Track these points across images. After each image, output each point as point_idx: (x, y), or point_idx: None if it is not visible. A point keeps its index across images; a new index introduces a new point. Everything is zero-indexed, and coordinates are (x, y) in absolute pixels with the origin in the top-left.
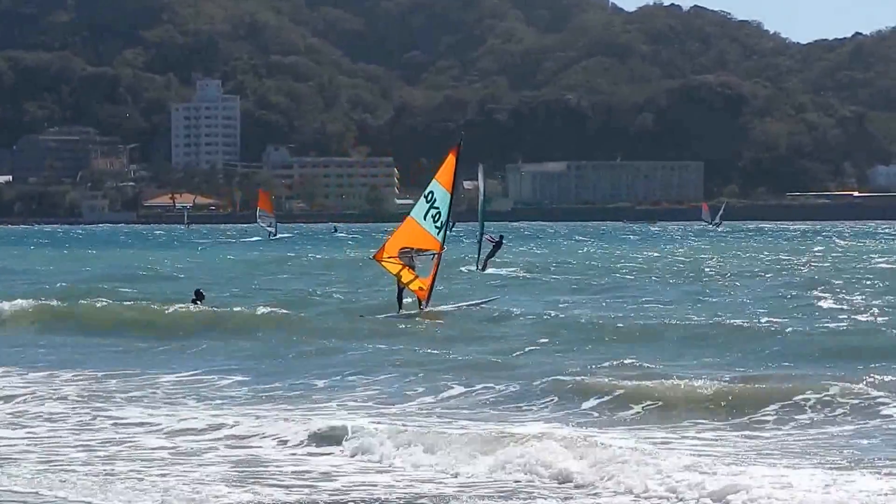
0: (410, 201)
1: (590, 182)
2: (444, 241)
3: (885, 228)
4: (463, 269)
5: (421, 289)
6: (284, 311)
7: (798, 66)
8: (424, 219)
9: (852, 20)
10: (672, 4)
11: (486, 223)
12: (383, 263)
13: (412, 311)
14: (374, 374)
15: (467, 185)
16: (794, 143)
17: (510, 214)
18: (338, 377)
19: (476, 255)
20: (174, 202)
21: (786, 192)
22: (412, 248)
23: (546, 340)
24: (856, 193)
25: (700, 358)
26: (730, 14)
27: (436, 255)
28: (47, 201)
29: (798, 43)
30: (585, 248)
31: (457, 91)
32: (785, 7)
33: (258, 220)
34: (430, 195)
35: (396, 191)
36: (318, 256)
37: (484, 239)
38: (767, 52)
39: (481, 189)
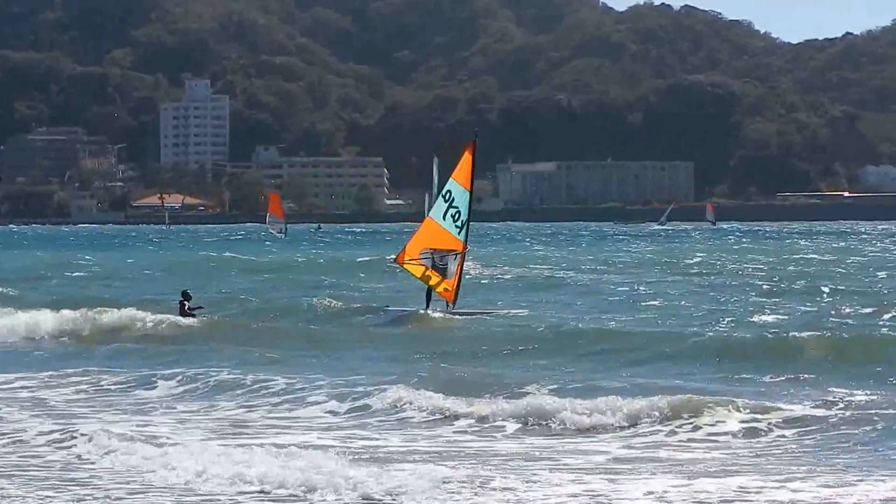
0: (400, 202)
1: (580, 182)
2: (466, 240)
3: (865, 228)
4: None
5: (446, 290)
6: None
7: (788, 65)
8: (444, 219)
9: (843, 20)
10: (662, 4)
11: (474, 223)
12: (405, 266)
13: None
14: None
15: None
16: (784, 143)
17: (500, 215)
18: None
19: None
20: (163, 202)
21: (776, 192)
22: (434, 250)
23: None
24: (846, 194)
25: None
26: (720, 14)
27: (459, 255)
28: (35, 201)
29: (789, 43)
30: (528, 252)
31: (447, 91)
32: (775, 7)
33: (267, 224)
34: (448, 194)
35: (386, 191)
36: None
37: None
38: (758, 51)
39: (434, 184)
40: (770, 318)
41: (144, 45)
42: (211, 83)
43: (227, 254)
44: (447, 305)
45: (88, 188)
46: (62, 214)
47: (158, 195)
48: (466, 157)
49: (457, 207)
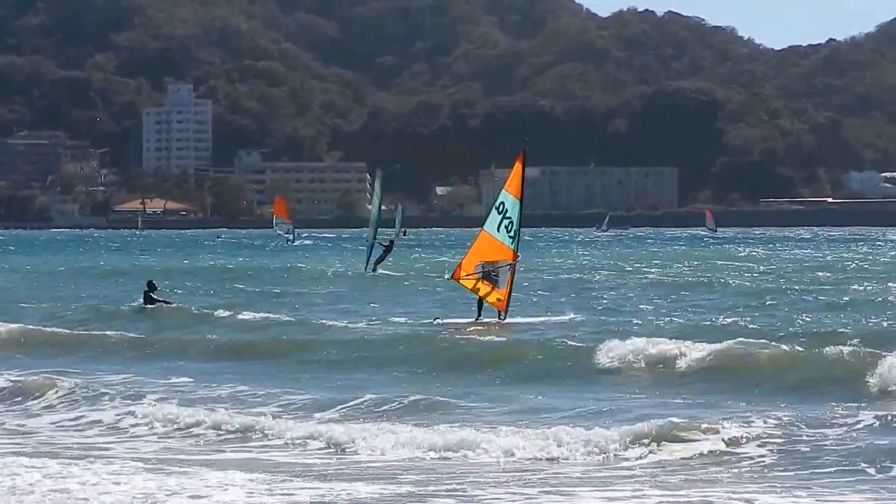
0: (383, 207)
1: (563, 188)
2: (517, 250)
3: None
4: (351, 272)
5: (499, 300)
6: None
7: (772, 71)
8: (498, 230)
9: (826, 26)
10: (646, 10)
11: (456, 230)
12: (461, 282)
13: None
14: None
15: (440, 191)
16: (768, 149)
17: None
18: None
19: (366, 257)
20: (145, 207)
21: (760, 198)
22: (487, 263)
23: None
24: (830, 200)
25: None
26: (704, 20)
27: (510, 265)
28: (17, 205)
29: (772, 49)
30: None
31: (430, 96)
32: (759, 13)
33: (274, 227)
34: (502, 206)
35: (369, 196)
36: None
37: (376, 243)
38: (741, 57)
39: (377, 194)
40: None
41: (127, 50)
42: (193, 88)
43: (151, 259)
44: (499, 315)
45: (70, 192)
46: (44, 219)
47: (140, 200)
48: (517, 168)
49: (510, 218)
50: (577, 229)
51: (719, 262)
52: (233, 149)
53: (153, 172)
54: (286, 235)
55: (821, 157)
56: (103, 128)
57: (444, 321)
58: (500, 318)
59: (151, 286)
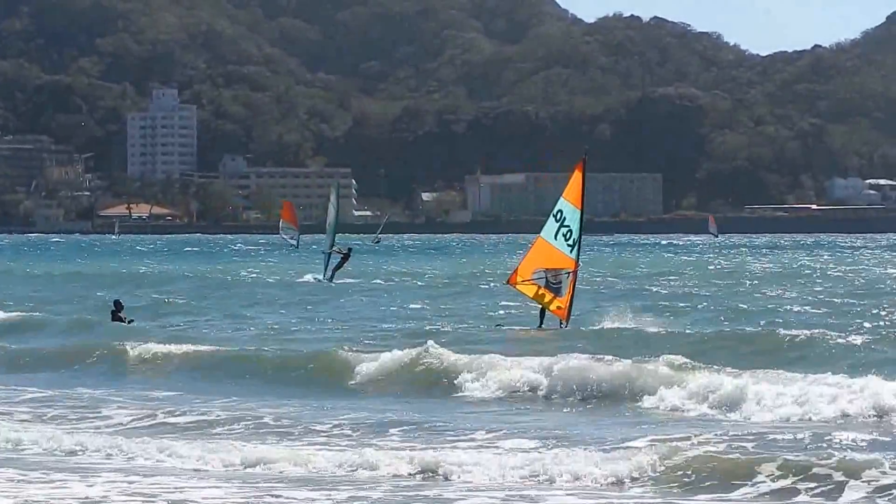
0: (368, 213)
1: (549, 194)
2: (578, 258)
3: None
4: (308, 277)
5: (560, 308)
6: None
7: (757, 78)
8: (556, 238)
9: (812, 32)
10: (631, 16)
11: (437, 235)
12: (518, 287)
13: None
14: None
15: (425, 196)
16: (752, 156)
17: (469, 227)
18: None
19: (324, 265)
20: (130, 212)
21: (744, 204)
22: (546, 269)
23: None
24: (814, 206)
25: None
26: (689, 26)
27: (571, 273)
28: (0, 210)
29: (757, 55)
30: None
31: (415, 102)
32: (744, 19)
33: (280, 233)
34: (560, 213)
35: (354, 202)
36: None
37: (333, 251)
38: (727, 63)
39: (333, 203)
40: None
41: (111, 55)
42: (178, 93)
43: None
44: (560, 324)
45: (55, 197)
46: (28, 223)
47: (125, 205)
48: (577, 176)
49: (568, 227)
50: None
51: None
52: (217, 154)
53: (138, 177)
54: (290, 241)
55: (805, 164)
56: (88, 133)
57: (506, 328)
58: (561, 327)
59: (119, 305)
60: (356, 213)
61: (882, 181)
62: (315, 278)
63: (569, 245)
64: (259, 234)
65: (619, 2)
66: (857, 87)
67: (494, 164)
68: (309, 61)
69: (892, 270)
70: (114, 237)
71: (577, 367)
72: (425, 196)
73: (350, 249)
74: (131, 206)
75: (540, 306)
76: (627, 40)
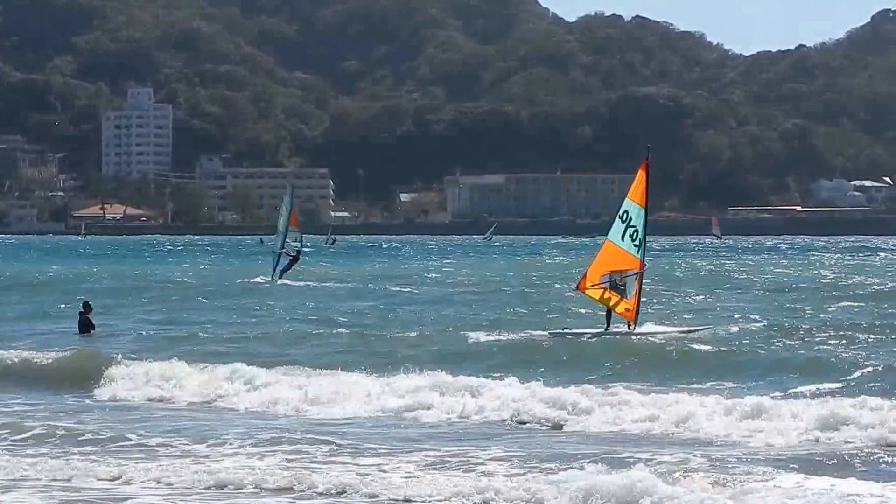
0: (345, 213)
1: (529, 195)
2: (643, 259)
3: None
4: (258, 279)
5: (627, 310)
6: None
7: (741, 78)
8: (623, 239)
9: (796, 32)
10: (613, 15)
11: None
12: (586, 292)
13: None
14: None
15: (403, 197)
16: (736, 157)
17: (448, 227)
18: None
19: (272, 267)
20: (104, 212)
21: (728, 206)
22: (612, 272)
23: None
24: (798, 208)
25: None
26: (672, 25)
27: (638, 274)
28: None
29: (741, 55)
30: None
31: (393, 101)
32: (728, 18)
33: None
34: (626, 214)
35: (332, 202)
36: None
37: (282, 253)
38: (710, 63)
39: (285, 206)
40: None
41: (86, 53)
42: (154, 92)
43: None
44: (628, 325)
45: (28, 198)
46: (2, 224)
47: (100, 205)
48: (640, 176)
49: (634, 227)
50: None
51: None
52: (193, 154)
53: (112, 177)
54: (294, 244)
55: (790, 165)
56: (62, 132)
57: (573, 331)
58: (629, 328)
59: (87, 307)
60: (333, 214)
61: (867, 183)
62: (264, 279)
63: (635, 245)
64: (237, 235)
65: (601, 1)
66: (842, 87)
67: (474, 164)
68: (287, 60)
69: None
70: (80, 238)
71: None
72: (404, 197)
73: (299, 252)
74: (106, 206)
75: (605, 311)
76: (609, 40)
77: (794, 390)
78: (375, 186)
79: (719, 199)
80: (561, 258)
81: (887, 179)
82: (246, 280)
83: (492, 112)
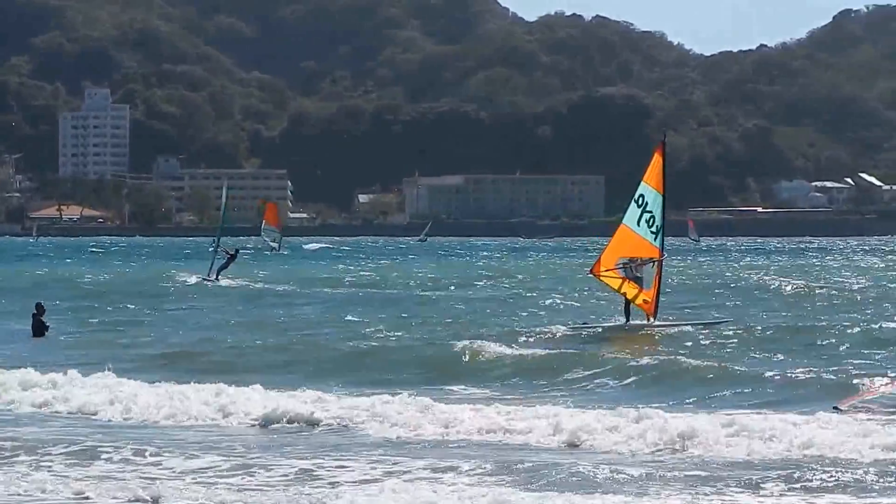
0: (304, 214)
1: (488, 196)
2: (662, 247)
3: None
4: (187, 277)
5: (646, 301)
6: None
7: (701, 78)
8: (638, 224)
9: (757, 32)
10: (574, 14)
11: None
12: (601, 278)
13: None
14: None
15: (362, 198)
16: (697, 157)
17: (406, 229)
18: None
19: (209, 265)
20: (61, 214)
21: (689, 207)
22: (630, 259)
23: None
24: (760, 209)
25: None
26: (632, 24)
27: (656, 263)
28: None
29: (702, 54)
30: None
31: (352, 101)
32: (688, 18)
33: (262, 234)
34: (641, 198)
35: (290, 204)
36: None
37: (220, 251)
38: (670, 63)
39: (224, 203)
40: None
41: (43, 53)
42: (111, 92)
43: None
44: (647, 318)
45: None
46: None
47: (57, 207)
48: (657, 159)
49: (650, 212)
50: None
51: None
52: (151, 155)
53: (70, 178)
54: (272, 244)
55: (751, 166)
56: (18, 132)
57: (593, 326)
58: (649, 322)
59: (40, 309)
60: (291, 215)
61: (829, 183)
62: (199, 278)
63: (652, 232)
64: (194, 237)
65: (562, 0)
66: (803, 87)
67: (434, 165)
68: (245, 60)
69: None
70: (31, 240)
71: None
72: (362, 198)
73: (237, 250)
74: (63, 207)
75: (623, 304)
76: (570, 39)
77: None
78: (334, 187)
79: (680, 200)
80: (486, 260)
81: (849, 180)
82: (184, 279)
83: (451, 112)
